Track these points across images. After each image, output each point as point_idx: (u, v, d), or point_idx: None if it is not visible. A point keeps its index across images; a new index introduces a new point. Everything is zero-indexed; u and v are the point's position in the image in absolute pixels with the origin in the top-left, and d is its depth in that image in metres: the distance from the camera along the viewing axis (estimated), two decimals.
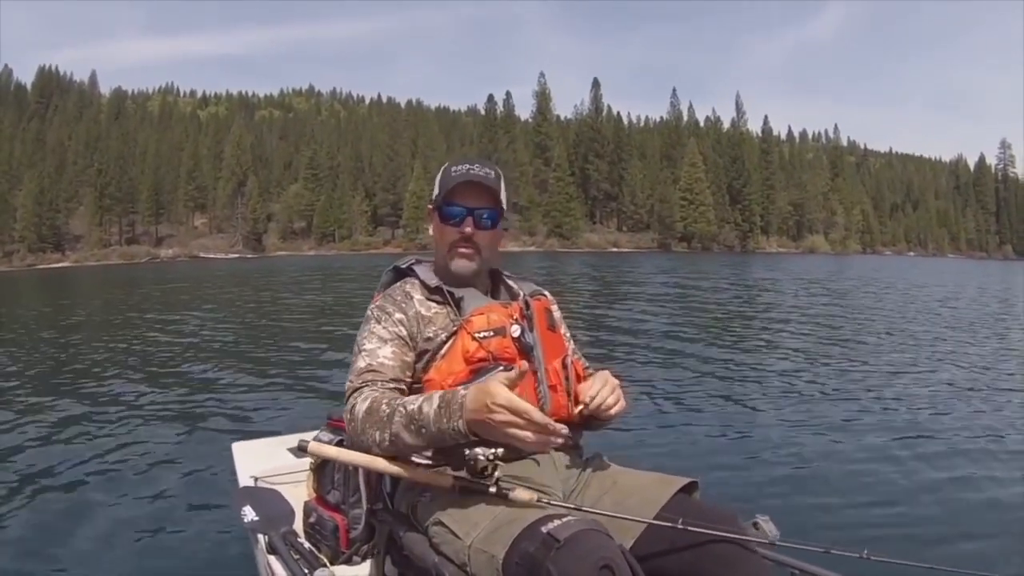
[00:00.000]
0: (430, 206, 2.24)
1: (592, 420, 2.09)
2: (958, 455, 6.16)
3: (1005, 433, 6.95)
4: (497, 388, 1.70)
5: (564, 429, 1.77)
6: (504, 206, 2.21)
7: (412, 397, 1.89)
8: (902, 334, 14.26)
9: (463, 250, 2.16)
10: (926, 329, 15.38)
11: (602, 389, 2.03)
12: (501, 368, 1.96)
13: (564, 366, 2.13)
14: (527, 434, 1.69)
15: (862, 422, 7.19)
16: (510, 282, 2.33)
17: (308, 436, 2.66)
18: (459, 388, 1.82)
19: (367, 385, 2.00)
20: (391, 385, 2.01)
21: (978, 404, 8.17)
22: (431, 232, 2.25)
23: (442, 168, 2.25)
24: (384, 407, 1.89)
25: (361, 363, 2.06)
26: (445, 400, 1.79)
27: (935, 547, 4.18)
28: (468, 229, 2.13)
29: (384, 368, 2.03)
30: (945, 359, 11.29)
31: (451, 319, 2.10)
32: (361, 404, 1.94)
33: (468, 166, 2.17)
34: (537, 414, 1.70)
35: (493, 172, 2.18)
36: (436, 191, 2.19)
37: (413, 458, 1.98)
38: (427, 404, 1.81)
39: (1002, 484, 5.49)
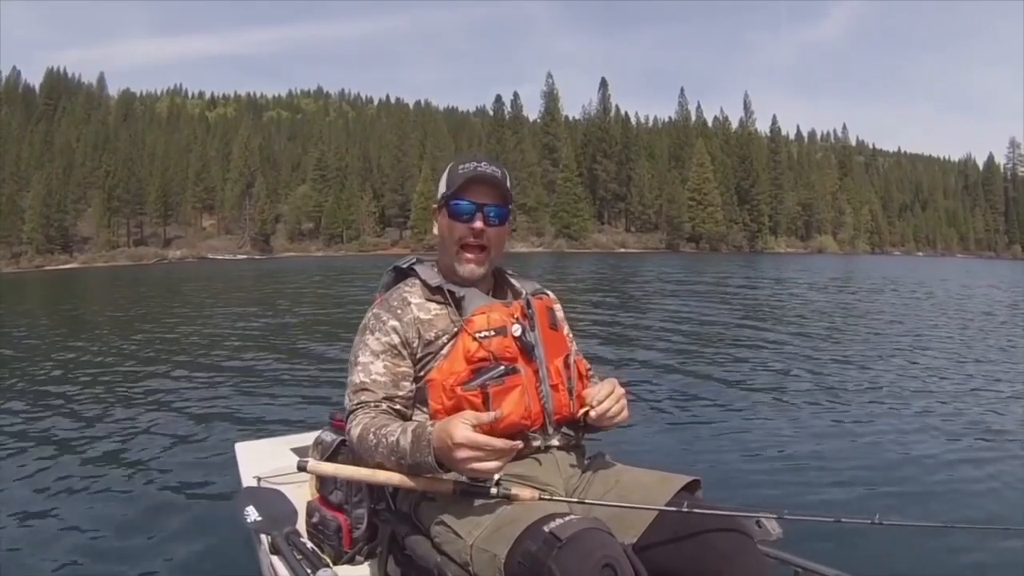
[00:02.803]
0: (434, 205, 2.23)
1: (592, 425, 2.10)
2: (965, 440, 6.28)
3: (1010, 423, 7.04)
4: (456, 428, 1.73)
5: (519, 444, 1.84)
6: (512, 204, 2.21)
7: (394, 427, 1.91)
8: (908, 329, 14.23)
9: (470, 254, 2.15)
10: (931, 325, 15.36)
11: (608, 398, 2.05)
12: (502, 368, 1.98)
13: (566, 365, 2.13)
14: (490, 465, 1.74)
15: (867, 417, 7.16)
16: (512, 280, 2.32)
17: (310, 436, 2.66)
18: (428, 424, 1.87)
19: (360, 408, 2.04)
20: (384, 405, 2.04)
21: (986, 393, 8.29)
22: (436, 231, 2.23)
23: (448, 166, 2.24)
24: (371, 437, 1.93)
25: (356, 378, 2.09)
26: (416, 435, 1.83)
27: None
28: (479, 224, 2.12)
29: (376, 385, 2.05)
30: (949, 352, 11.28)
31: (452, 319, 2.09)
32: (355, 431, 1.99)
33: (476, 163, 2.16)
34: (498, 443, 1.75)
35: (500, 171, 2.18)
36: (443, 188, 2.18)
37: None
38: (403, 438, 1.85)
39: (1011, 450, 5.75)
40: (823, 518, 1.80)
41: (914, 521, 1.83)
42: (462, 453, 1.72)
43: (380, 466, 1.92)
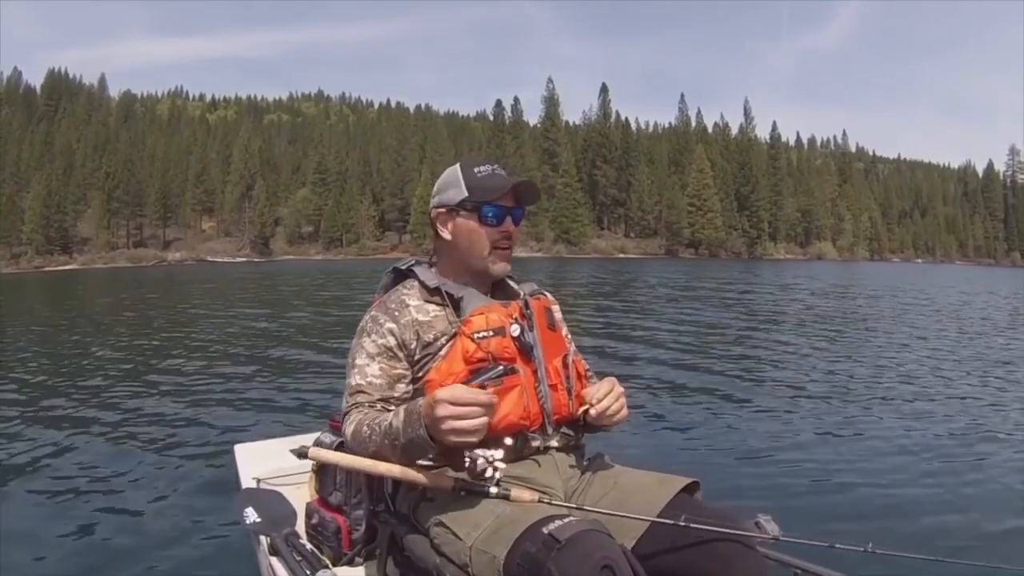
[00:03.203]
0: (442, 208, 2.18)
1: (592, 424, 2.10)
2: (962, 449, 6.18)
3: (1009, 429, 6.96)
4: (440, 389, 1.77)
5: (496, 399, 1.81)
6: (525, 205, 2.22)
7: (387, 414, 1.92)
8: (907, 336, 14.21)
9: (504, 251, 2.16)
10: (931, 331, 15.31)
11: (608, 395, 2.04)
12: (501, 368, 1.97)
13: (565, 365, 2.14)
14: (474, 423, 1.72)
15: (865, 421, 7.17)
16: (510, 282, 2.30)
17: (310, 438, 2.65)
18: (419, 399, 1.87)
19: (355, 408, 2.05)
20: (379, 406, 2.04)
21: (984, 399, 8.22)
22: (449, 235, 2.18)
23: (458, 168, 2.20)
24: (365, 428, 1.94)
25: (352, 381, 2.09)
26: (408, 411, 1.84)
27: (940, 541, 4.15)
28: (513, 228, 2.16)
29: (372, 388, 2.06)
30: (950, 359, 11.26)
31: (450, 320, 2.09)
32: (349, 428, 2.01)
33: (492, 166, 2.19)
34: (483, 396, 1.75)
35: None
36: (464, 193, 2.14)
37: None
38: (396, 419, 1.86)
39: (1007, 477, 5.50)
40: (817, 543, 1.79)
41: (908, 552, 1.81)
42: (442, 410, 1.71)
43: (377, 456, 1.93)
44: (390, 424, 1.87)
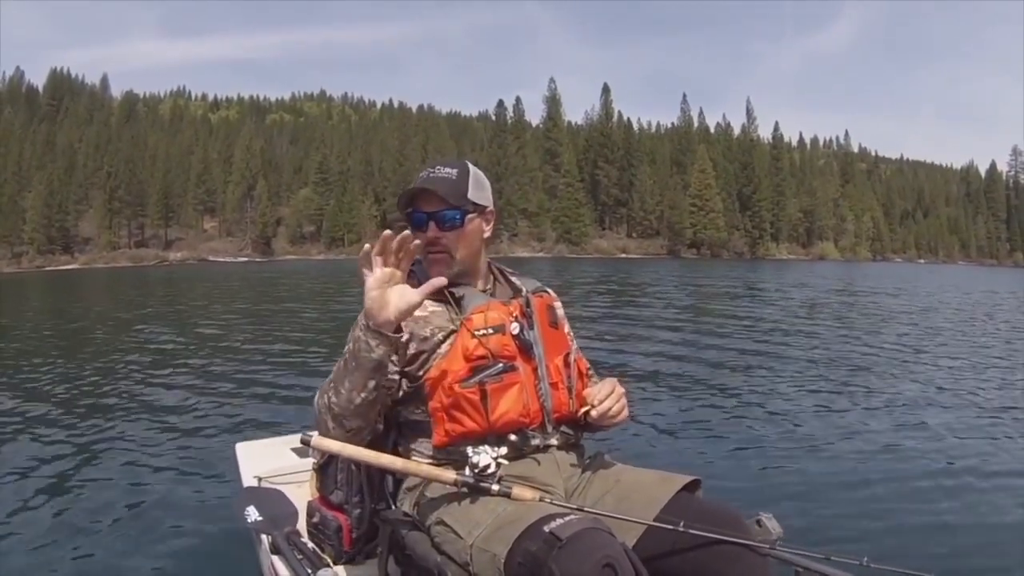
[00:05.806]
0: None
1: (592, 424, 2.10)
2: (967, 465, 5.94)
3: (1015, 446, 6.64)
4: None
5: (408, 235, 1.83)
6: (471, 202, 2.16)
7: None
8: (914, 340, 14.00)
9: (434, 256, 2.14)
10: (938, 336, 15.04)
11: (609, 397, 2.05)
12: (500, 365, 1.98)
13: (566, 363, 2.14)
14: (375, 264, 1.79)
15: (869, 426, 7.06)
16: (513, 279, 2.32)
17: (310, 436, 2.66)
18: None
19: None
20: None
21: (991, 414, 7.88)
22: None
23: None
24: (331, 374, 2.00)
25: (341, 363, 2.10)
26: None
27: (937, 556, 4.05)
28: (432, 233, 2.12)
29: None
30: (958, 365, 11.00)
31: (451, 317, 2.09)
32: (318, 393, 2.06)
33: (429, 171, 2.17)
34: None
35: (455, 171, 2.16)
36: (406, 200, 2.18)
37: (415, 456, 2.03)
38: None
39: (1011, 497, 5.24)
40: (813, 554, 1.80)
41: (903, 569, 1.81)
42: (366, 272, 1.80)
43: (336, 387, 1.96)
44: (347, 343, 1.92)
